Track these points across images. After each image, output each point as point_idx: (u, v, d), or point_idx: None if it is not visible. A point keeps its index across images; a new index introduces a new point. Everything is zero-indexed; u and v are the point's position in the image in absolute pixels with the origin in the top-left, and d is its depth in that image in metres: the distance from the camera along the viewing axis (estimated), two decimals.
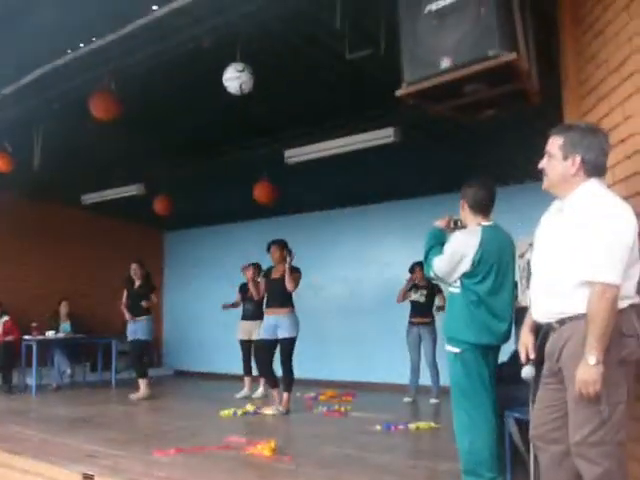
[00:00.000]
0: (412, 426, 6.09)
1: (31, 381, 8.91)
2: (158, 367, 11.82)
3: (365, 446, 5.29)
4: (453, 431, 3.73)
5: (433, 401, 7.80)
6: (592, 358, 2.36)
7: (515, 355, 4.14)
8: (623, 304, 2.45)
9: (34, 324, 9.24)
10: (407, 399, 7.97)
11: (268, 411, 7.01)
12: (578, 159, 2.59)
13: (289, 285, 6.99)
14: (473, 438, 3.57)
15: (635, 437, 2.68)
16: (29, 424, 6.29)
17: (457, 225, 3.88)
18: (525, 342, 2.89)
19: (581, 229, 2.48)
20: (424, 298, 8.07)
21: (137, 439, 5.61)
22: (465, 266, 3.60)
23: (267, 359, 7.14)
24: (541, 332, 2.80)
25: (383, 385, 9.13)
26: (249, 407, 7.22)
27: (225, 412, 6.96)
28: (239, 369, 8.72)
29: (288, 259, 7.02)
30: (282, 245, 7.29)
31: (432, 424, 6.20)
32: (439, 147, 7.26)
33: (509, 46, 2.98)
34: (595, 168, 2.61)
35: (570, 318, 2.52)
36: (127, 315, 8.61)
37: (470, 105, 3.53)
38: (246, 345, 8.59)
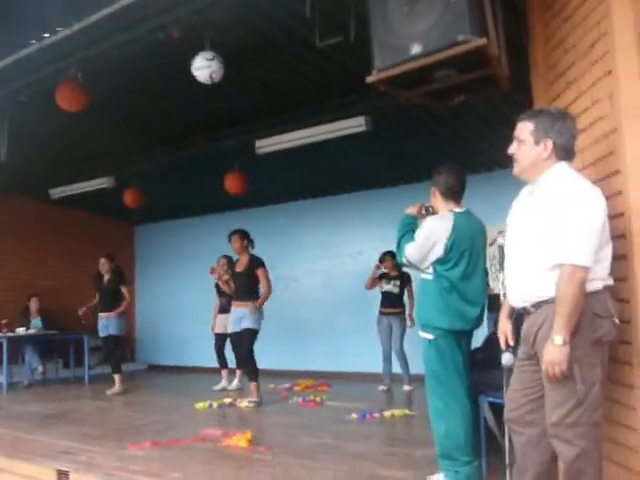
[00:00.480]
0: (387, 414, 6.14)
1: (2, 379, 8.79)
2: (131, 362, 11.72)
3: (341, 435, 5.30)
4: (428, 417, 3.75)
5: (406, 388, 7.85)
6: (558, 338, 2.39)
7: (488, 340, 4.20)
8: (597, 285, 2.48)
9: (4, 321, 9.11)
10: (382, 387, 8.00)
11: (243, 403, 6.99)
12: (550, 144, 2.61)
13: (267, 291, 7.11)
14: (448, 423, 3.59)
15: (610, 419, 2.71)
16: (0, 422, 6.19)
17: (428, 212, 3.89)
18: (504, 329, 2.91)
19: (552, 212, 2.49)
20: (397, 289, 8.09)
21: (112, 434, 5.57)
22: (437, 252, 3.61)
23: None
24: (514, 315, 2.83)
25: (358, 374, 9.15)
26: (226, 399, 7.22)
27: (200, 405, 6.94)
28: (212, 362, 8.68)
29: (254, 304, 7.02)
30: (242, 235, 7.30)
31: (407, 411, 6.26)
32: (410, 136, 7.27)
33: (479, 31, 2.97)
34: (566, 152, 2.64)
35: (545, 301, 2.53)
36: (81, 310, 8.84)
37: (440, 91, 3.52)
38: (221, 338, 8.55)
